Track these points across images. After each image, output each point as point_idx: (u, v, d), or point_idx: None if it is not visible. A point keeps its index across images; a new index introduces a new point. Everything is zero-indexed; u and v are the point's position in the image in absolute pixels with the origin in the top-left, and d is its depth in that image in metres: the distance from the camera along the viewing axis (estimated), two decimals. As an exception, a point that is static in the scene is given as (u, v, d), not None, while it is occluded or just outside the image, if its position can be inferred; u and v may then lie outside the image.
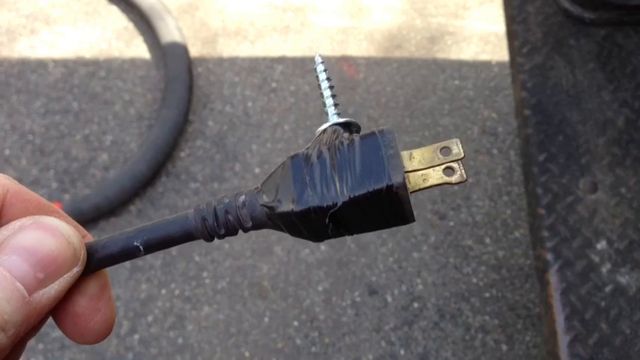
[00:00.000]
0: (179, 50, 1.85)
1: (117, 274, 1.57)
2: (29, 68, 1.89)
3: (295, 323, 1.51)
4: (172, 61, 1.83)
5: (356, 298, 1.54)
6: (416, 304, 1.53)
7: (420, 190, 0.35)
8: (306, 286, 1.55)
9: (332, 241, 1.59)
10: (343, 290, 1.55)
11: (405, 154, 0.35)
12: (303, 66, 1.89)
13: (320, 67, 0.39)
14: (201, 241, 1.61)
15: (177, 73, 1.80)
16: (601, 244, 0.96)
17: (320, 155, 0.34)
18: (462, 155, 0.34)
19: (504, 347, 1.48)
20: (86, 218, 1.61)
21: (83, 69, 1.89)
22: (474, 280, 1.55)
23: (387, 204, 0.34)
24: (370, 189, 0.33)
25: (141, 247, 0.35)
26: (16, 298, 0.30)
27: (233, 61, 1.90)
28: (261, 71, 1.88)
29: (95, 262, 0.35)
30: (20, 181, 1.68)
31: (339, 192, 0.33)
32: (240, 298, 1.54)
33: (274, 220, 0.35)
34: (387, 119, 1.77)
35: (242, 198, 0.35)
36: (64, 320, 0.35)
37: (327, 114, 0.38)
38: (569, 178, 1.01)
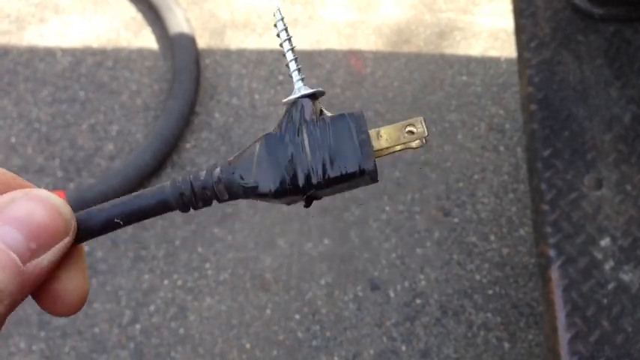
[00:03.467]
0: (187, 41, 1.84)
1: (119, 263, 1.57)
2: (37, 57, 1.89)
3: (297, 316, 1.51)
4: (180, 53, 1.83)
5: (358, 293, 1.53)
6: (418, 300, 1.52)
7: (382, 155, 0.38)
8: (308, 279, 1.55)
9: (335, 235, 1.59)
10: (346, 284, 1.54)
11: (373, 133, 0.37)
12: (310, 59, 1.88)
13: (280, 25, 0.39)
14: (204, 234, 1.61)
15: (185, 64, 1.80)
16: (605, 241, 0.95)
17: (294, 137, 0.36)
18: (426, 134, 0.37)
19: (506, 345, 1.47)
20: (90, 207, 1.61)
21: (91, 58, 1.89)
22: (478, 277, 1.54)
23: (358, 180, 0.37)
24: (343, 172, 0.36)
25: (121, 222, 0.37)
26: (11, 268, 0.31)
27: (240, 54, 1.90)
28: (268, 64, 1.87)
29: (79, 236, 0.36)
30: (25, 169, 1.69)
31: (314, 174, 0.36)
32: (242, 290, 1.54)
33: (249, 195, 0.37)
34: (394, 114, 1.76)
35: (217, 173, 0.37)
36: (38, 289, 0.35)
37: (291, 77, 0.39)
38: (574, 174, 1.00)
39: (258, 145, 0.37)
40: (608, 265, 0.92)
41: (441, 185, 1.66)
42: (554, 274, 0.92)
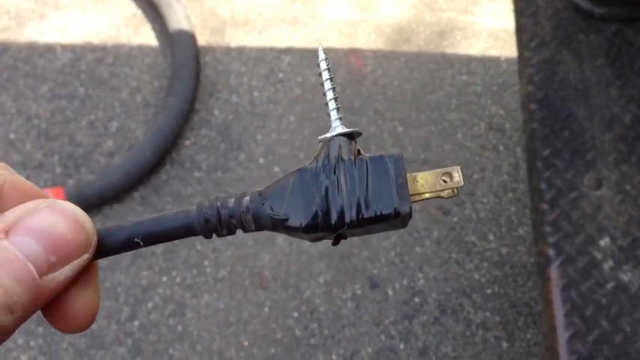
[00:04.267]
0: (187, 38, 1.84)
1: (119, 260, 1.57)
2: (37, 53, 1.89)
3: (295, 314, 1.51)
4: (180, 50, 1.82)
5: (357, 291, 1.53)
6: (417, 299, 1.52)
7: (415, 201, 0.38)
8: (307, 277, 1.55)
9: (334, 233, 1.59)
10: (344, 283, 1.54)
11: (409, 177, 0.37)
12: (310, 58, 1.88)
13: (323, 65, 0.39)
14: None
15: (185, 61, 1.80)
16: (604, 241, 0.95)
17: (330, 173, 0.36)
18: (461, 184, 0.38)
19: (505, 344, 1.47)
20: (90, 204, 1.61)
21: (91, 55, 1.88)
22: (476, 277, 1.54)
23: (390, 222, 0.36)
24: (378, 213, 0.36)
25: (141, 243, 0.36)
26: (27, 280, 0.30)
27: (240, 51, 1.90)
28: (268, 62, 1.87)
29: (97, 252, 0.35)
30: (24, 165, 1.68)
31: (348, 212, 0.35)
32: (240, 288, 1.54)
33: (278, 227, 0.36)
34: (394, 113, 1.76)
35: (246, 202, 0.36)
36: (48, 304, 0.34)
37: (329, 116, 0.39)
38: (574, 174, 1.00)
39: (291, 178, 0.36)
40: (608, 265, 0.92)
41: (440, 184, 1.66)
42: (554, 273, 0.92)
